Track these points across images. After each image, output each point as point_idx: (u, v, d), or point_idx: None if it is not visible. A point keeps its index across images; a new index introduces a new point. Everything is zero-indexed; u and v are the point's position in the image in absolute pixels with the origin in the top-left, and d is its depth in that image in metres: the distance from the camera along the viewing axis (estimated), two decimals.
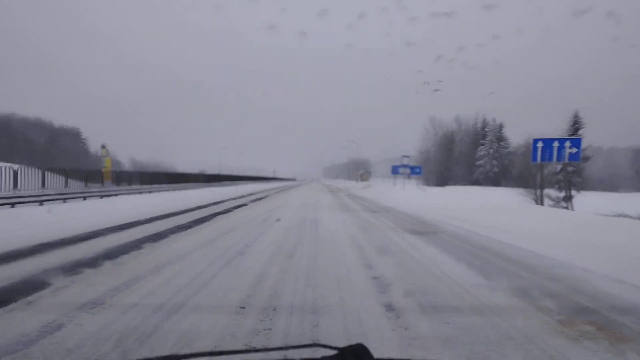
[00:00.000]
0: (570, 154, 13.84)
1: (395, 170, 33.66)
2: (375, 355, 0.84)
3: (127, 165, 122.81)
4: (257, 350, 1.45)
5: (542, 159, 14.25)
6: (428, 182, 78.96)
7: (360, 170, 73.11)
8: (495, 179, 57.47)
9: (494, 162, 58.67)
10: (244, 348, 2.39)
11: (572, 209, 20.72)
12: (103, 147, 27.32)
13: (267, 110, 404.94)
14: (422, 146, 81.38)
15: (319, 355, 0.85)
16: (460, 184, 62.91)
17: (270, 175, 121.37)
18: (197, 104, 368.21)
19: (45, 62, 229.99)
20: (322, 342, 2.25)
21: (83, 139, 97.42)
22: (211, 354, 0.92)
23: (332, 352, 0.85)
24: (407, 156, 28.02)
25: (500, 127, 60.64)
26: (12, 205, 10.81)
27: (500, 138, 60.01)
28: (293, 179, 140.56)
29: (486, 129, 68.14)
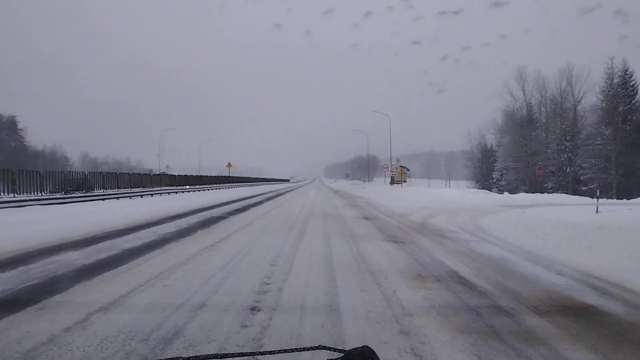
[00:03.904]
0: None
1: None
2: (382, 358, 0.82)
3: (77, 164, 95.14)
4: (261, 353, 1.29)
5: None
6: (501, 187, 46.37)
7: (395, 164, 41.03)
8: None
9: None
10: (247, 351, 2.47)
11: None
12: None
13: (268, 109, 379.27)
14: (500, 125, 48.56)
15: (324, 358, 0.87)
16: (600, 193, 30.00)
17: (262, 176, 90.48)
18: (196, 104, 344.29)
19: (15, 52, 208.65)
20: None
21: (20, 130, 75.27)
22: (215, 356, 0.84)
23: (338, 355, 0.83)
24: None
25: None
26: None
27: None
28: (286, 180, 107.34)
29: (633, 83, 35.73)
